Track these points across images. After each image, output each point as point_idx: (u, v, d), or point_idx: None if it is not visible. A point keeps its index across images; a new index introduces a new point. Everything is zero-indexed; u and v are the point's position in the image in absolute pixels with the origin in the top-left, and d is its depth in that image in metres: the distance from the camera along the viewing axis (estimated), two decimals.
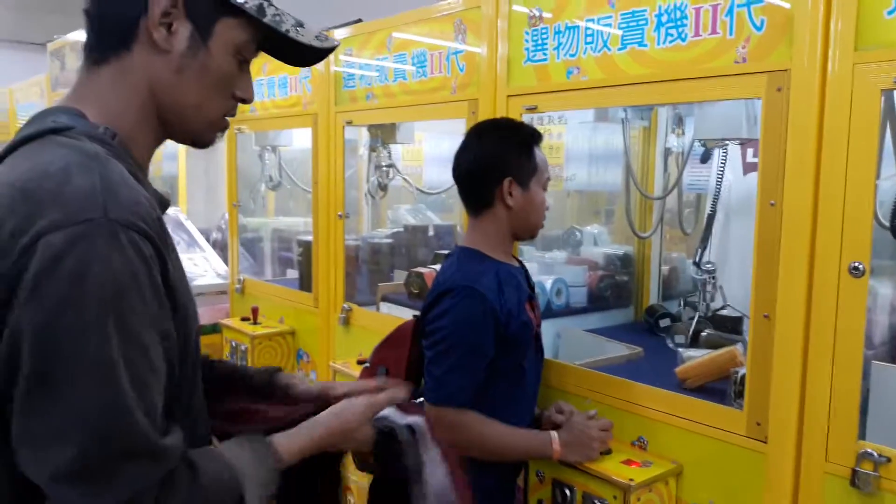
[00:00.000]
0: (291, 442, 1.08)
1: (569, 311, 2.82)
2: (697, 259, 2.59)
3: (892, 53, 1.47)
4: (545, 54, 2.17)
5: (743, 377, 1.76)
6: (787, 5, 1.62)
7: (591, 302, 2.92)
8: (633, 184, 2.91)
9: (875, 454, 1.50)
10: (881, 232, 1.74)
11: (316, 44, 1.08)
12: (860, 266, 1.52)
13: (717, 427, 1.77)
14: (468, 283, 1.73)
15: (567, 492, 1.80)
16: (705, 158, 2.68)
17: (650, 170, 3.07)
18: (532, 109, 2.23)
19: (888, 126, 1.74)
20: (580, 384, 2.05)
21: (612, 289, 2.97)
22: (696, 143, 2.69)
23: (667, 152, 2.97)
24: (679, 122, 2.86)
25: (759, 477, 1.68)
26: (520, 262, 2.01)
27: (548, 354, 2.09)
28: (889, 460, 1.49)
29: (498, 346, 1.75)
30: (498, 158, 1.83)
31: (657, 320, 2.75)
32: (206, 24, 0.99)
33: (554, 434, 1.76)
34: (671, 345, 2.48)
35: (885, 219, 1.75)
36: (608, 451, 1.84)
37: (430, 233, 3.79)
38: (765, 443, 1.67)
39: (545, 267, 2.94)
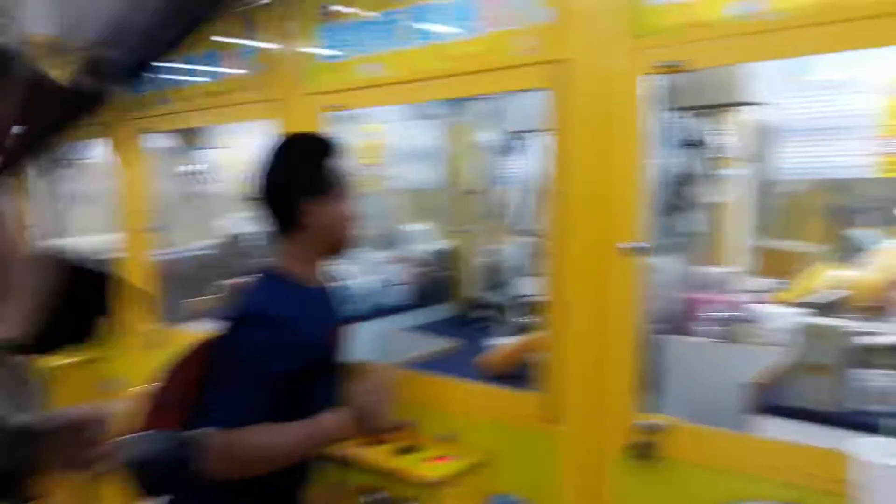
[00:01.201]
0: None
1: (393, 309, 2.79)
2: (512, 250, 2.64)
3: (660, 40, 1.53)
4: (343, 51, 2.12)
5: (542, 362, 1.79)
6: None
7: (416, 299, 2.91)
8: (451, 179, 2.93)
9: (656, 424, 1.56)
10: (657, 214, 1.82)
11: None
12: (635, 246, 1.57)
13: (519, 414, 1.78)
14: (266, 310, 1.64)
15: (375, 497, 1.75)
16: (516, 150, 2.74)
17: (469, 164, 3.10)
18: (333, 108, 2.17)
19: (662, 110, 1.83)
20: None
21: (436, 284, 2.98)
22: (509, 136, 2.75)
23: (483, 146, 3.01)
24: (491, 115, 2.91)
25: (560, 457, 1.71)
26: (331, 282, 1.93)
27: (365, 356, 2.03)
28: (668, 429, 1.55)
29: (293, 374, 1.66)
30: (293, 177, 1.75)
31: (477, 312, 2.77)
32: None
33: (336, 411, 1.65)
34: (488, 335, 2.50)
35: (662, 200, 1.83)
36: (414, 448, 1.81)
37: (262, 241, 3.63)
38: (561, 424, 1.70)
39: (369, 267, 2.89)
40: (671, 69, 1.53)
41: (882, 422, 1.38)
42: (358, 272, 2.80)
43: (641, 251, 1.58)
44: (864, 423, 1.46)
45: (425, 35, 1.95)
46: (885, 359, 1.55)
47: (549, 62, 1.70)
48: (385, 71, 2.05)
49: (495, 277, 3.06)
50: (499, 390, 1.87)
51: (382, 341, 2.55)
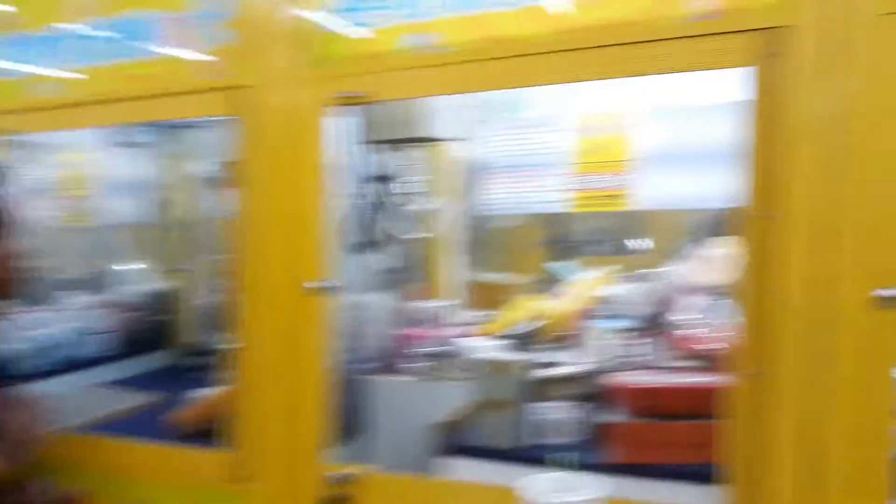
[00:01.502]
0: None
1: (91, 361, 2.46)
2: (223, 287, 2.45)
3: (340, 70, 1.47)
4: (13, 68, 1.85)
5: (234, 415, 1.63)
6: (255, 21, 1.56)
7: (123, 348, 2.60)
8: (166, 213, 2.69)
9: (349, 474, 1.47)
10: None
11: None
12: (323, 284, 1.48)
13: (211, 475, 1.61)
14: None
15: None
16: (229, 183, 2.57)
17: (184, 197, 2.87)
18: None
19: (355, 144, 1.78)
20: (63, 452, 1.73)
21: (150, 330, 2.69)
22: (225, 167, 2.57)
23: (198, 177, 2.80)
24: (206, 145, 2.72)
25: None
26: None
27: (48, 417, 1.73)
28: (361, 479, 1.46)
29: None
30: None
31: (193, 360, 2.54)
32: None
33: None
34: (199, 386, 2.29)
35: (359, 237, 1.77)
36: None
37: None
38: (254, 482, 1.55)
39: (68, 314, 2.54)
40: (352, 100, 1.47)
41: (554, 455, 1.40)
42: (50, 319, 2.44)
43: (330, 290, 1.49)
44: (540, 457, 1.47)
45: (106, 53, 1.75)
46: (561, 390, 1.60)
47: (231, 88, 1.58)
48: (62, 91, 1.81)
49: (216, 320, 2.84)
50: (188, 450, 1.68)
51: (69, 400, 2.22)
